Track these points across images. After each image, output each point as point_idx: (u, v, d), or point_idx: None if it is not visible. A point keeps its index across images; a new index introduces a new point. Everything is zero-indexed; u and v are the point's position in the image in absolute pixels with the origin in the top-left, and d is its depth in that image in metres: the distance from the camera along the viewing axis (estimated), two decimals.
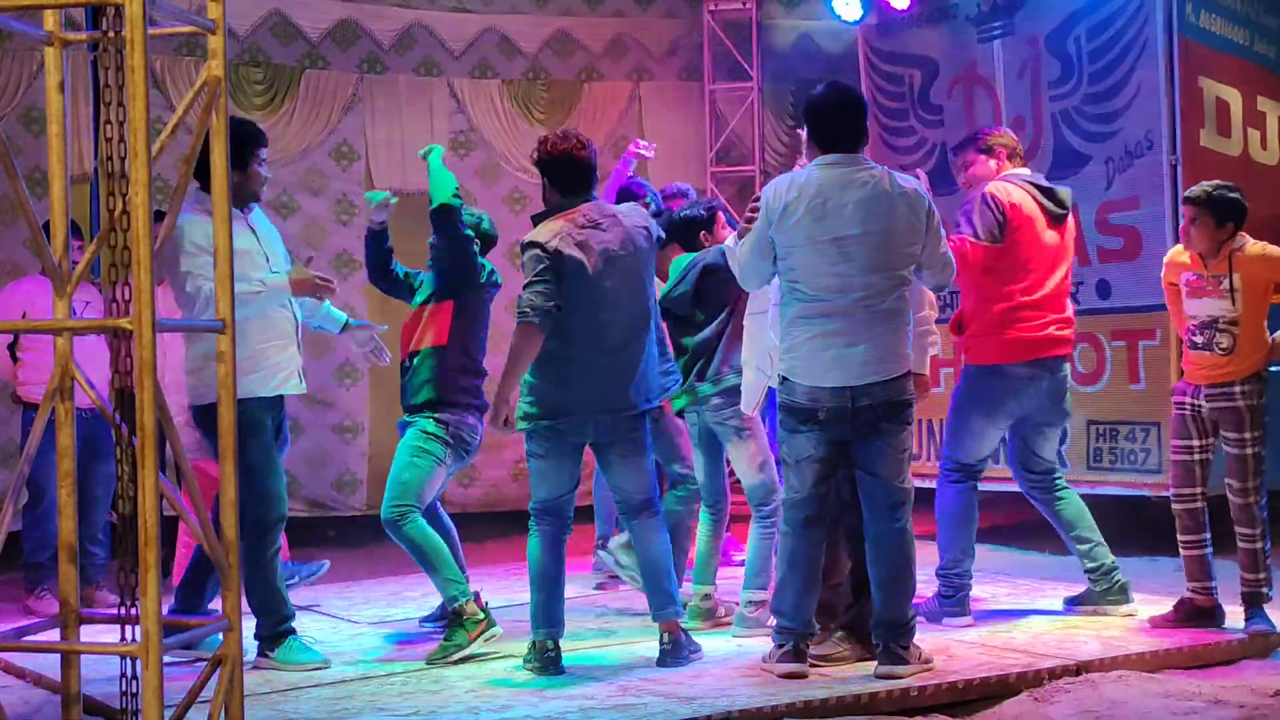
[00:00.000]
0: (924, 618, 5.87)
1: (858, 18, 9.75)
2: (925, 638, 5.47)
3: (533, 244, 5.44)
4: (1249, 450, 5.79)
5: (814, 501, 5.32)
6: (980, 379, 6.25)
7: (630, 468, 5.64)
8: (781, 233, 5.24)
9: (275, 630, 5.74)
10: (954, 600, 6.14)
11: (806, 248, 5.20)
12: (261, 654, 5.72)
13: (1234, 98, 8.05)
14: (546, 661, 5.46)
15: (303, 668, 5.64)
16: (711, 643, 5.89)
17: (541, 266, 5.38)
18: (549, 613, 5.53)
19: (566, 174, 5.58)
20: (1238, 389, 5.81)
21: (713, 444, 6.28)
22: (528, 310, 5.35)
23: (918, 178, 5.57)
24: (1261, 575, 5.80)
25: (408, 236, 10.11)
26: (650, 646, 5.78)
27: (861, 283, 5.17)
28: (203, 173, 5.25)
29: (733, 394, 6.05)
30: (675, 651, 5.56)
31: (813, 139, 5.36)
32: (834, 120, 5.30)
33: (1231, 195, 5.90)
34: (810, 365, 5.23)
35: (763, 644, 5.60)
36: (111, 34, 3.77)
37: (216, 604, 5.20)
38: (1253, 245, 5.87)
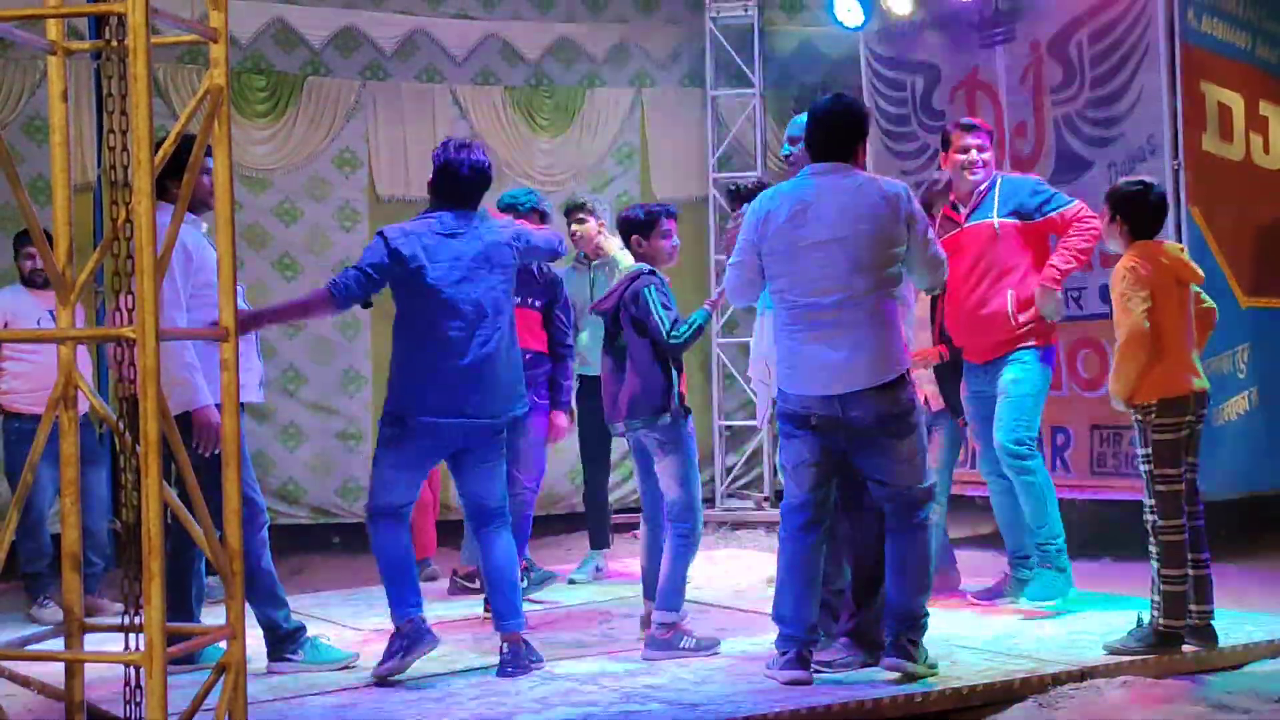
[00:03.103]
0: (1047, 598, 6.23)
1: (860, 24, 9.75)
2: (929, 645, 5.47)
3: (380, 232, 5.67)
4: (1142, 467, 5.58)
5: (811, 506, 5.31)
6: (1047, 359, 6.46)
7: (484, 474, 5.69)
8: (765, 240, 5.27)
9: (291, 629, 5.79)
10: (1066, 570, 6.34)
11: (790, 254, 5.22)
12: (281, 658, 5.74)
13: (1236, 102, 8.06)
14: (423, 633, 5.55)
15: (332, 666, 5.73)
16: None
17: (376, 258, 5.56)
18: (413, 593, 5.64)
19: (442, 183, 5.72)
20: (1132, 406, 5.56)
21: (646, 459, 6.13)
22: (337, 280, 5.56)
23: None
24: (1155, 598, 5.55)
25: None
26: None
27: (845, 286, 5.15)
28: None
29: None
30: (514, 660, 5.59)
31: (808, 147, 5.39)
32: (828, 130, 5.31)
33: (1129, 189, 5.66)
34: (799, 373, 5.24)
35: (752, 656, 5.60)
36: (114, 43, 3.78)
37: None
38: (1127, 251, 5.59)
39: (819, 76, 10.95)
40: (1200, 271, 5.70)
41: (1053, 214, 6.42)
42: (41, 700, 5.01)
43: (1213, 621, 5.61)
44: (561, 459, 10.15)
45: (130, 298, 3.75)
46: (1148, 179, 5.77)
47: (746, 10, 10.82)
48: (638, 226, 6.09)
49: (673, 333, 5.82)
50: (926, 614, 5.32)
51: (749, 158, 10.88)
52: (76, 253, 4.17)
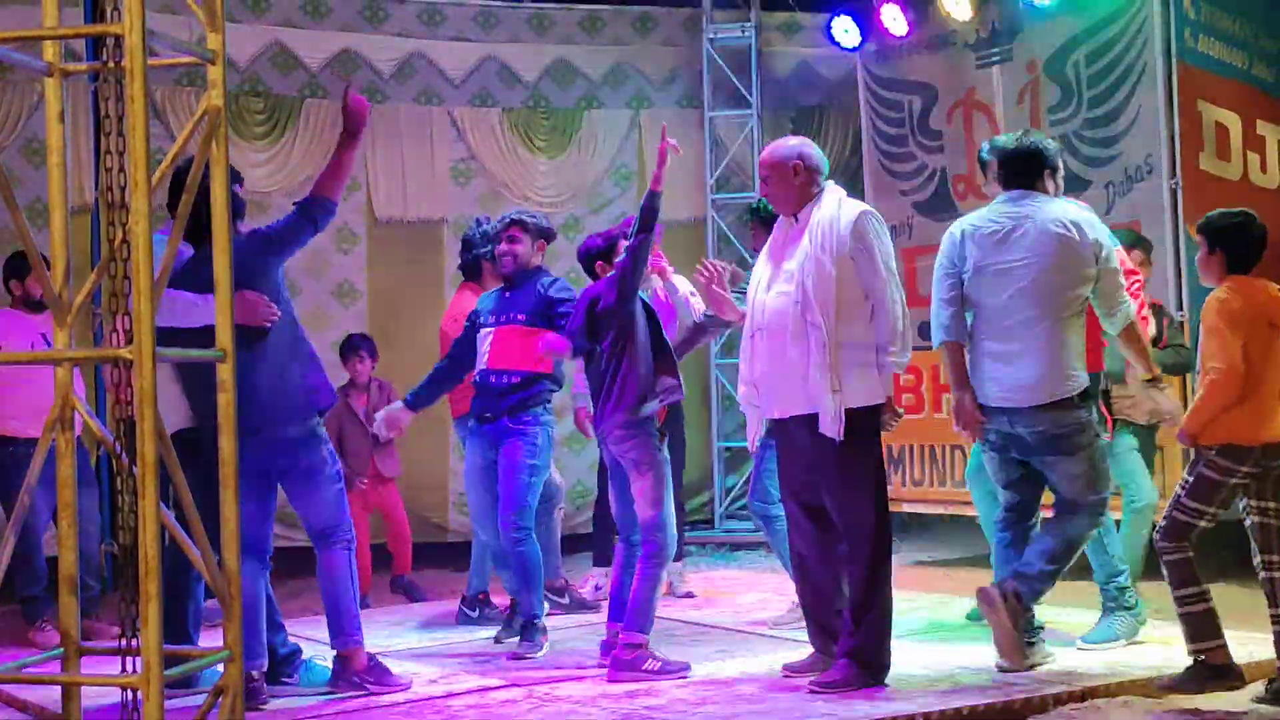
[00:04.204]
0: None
1: (856, 45, 9.77)
2: (930, 664, 5.44)
3: None
4: (1177, 487, 5.38)
5: (1007, 508, 5.85)
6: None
7: (298, 495, 5.65)
8: (964, 260, 5.71)
9: (287, 653, 5.77)
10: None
11: (983, 274, 5.65)
12: (277, 681, 5.72)
13: (1233, 121, 8.07)
14: (255, 691, 5.34)
15: (327, 687, 5.70)
16: (712, 668, 5.88)
17: None
18: (258, 643, 5.48)
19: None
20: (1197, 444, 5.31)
21: (623, 476, 6.10)
22: None
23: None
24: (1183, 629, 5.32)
25: (409, 264, 10.19)
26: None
27: (1027, 306, 5.52)
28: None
29: (630, 426, 5.93)
30: (335, 678, 5.63)
31: (997, 178, 5.83)
32: (1015, 162, 5.75)
33: (1229, 220, 5.36)
34: (981, 386, 5.68)
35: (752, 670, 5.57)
36: (111, 64, 3.78)
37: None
38: (1219, 289, 5.29)
39: (816, 97, 10.98)
40: None
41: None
42: None
43: None
44: (563, 479, 10.15)
45: (127, 319, 3.74)
46: (1248, 210, 5.47)
47: (744, 31, 10.84)
48: (601, 254, 6.21)
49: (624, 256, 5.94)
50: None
51: (747, 179, 10.88)
52: (74, 274, 4.17)
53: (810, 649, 5.74)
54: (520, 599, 6.59)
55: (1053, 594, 6.83)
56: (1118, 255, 5.70)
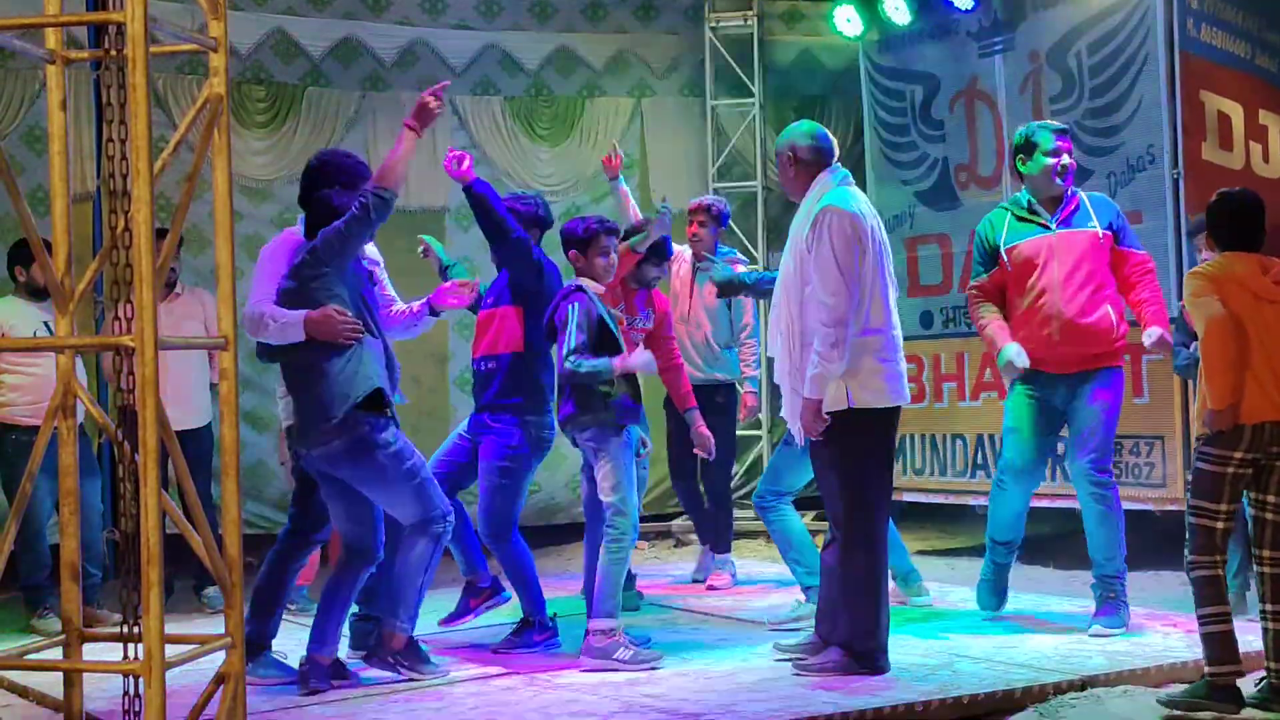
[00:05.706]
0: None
1: (859, 34, 9.76)
2: (930, 652, 5.45)
3: None
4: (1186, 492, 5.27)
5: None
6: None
7: (377, 499, 5.60)
8: None
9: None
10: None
11: None
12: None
13: (1236, 111, 8.06)
14: (303, 678, 5.52)
15: (270, 681, 5.67)
16: (712, 657, 5.89)
17: None
18: (324, 631, 5.58)
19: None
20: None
21: (590, 467, 6.07)
22: None
23: None
24: None
25: (411, 252, 10.17)
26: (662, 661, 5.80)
27: None
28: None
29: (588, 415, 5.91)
30: (377, 651, 5.68)
31: None
32: None
33: (1210, 200, 5.24)
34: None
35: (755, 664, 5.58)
36: (113, 52, 3.78)
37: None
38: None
39: (819, 86, 10.97)
40: None
41: (1127, 249, 6.32)
42: (40, 710, 5.00)
43: None
44: (560, 469, 10.15)
45: (129, 307, 3.75)
46: (1232, 189, 5.30)
47: (746, 20, 10.82)
48: (577, 242, 6.07)
49: (570, 358, 5.77)
50: None
51: (748, 168, 10.87)
52: (75, 262, 4.17)
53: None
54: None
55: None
56: None
